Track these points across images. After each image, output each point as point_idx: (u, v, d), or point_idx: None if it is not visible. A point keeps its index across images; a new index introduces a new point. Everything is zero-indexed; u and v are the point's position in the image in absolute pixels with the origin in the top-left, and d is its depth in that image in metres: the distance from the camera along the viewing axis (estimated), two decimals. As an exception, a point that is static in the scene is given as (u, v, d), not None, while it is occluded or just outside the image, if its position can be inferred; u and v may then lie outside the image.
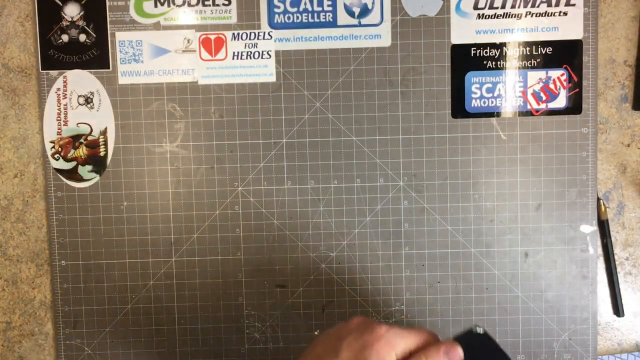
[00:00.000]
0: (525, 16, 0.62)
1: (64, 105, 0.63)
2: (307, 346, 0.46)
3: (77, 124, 0.64)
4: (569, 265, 0.64)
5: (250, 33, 0.63)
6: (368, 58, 0.63)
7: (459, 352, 0.44)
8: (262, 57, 0.63)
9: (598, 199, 0.63)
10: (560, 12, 0.62)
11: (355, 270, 0.64)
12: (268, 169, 0.64)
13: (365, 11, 0.62)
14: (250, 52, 0.63)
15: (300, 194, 0.64)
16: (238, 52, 0.63)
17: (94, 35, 0.63)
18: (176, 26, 0.63)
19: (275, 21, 0.63)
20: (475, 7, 0.62)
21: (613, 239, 0.64)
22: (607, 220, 0.63)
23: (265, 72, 0.63)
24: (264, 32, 0.63)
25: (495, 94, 0.63)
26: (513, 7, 0.62)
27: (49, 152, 0.64)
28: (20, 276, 0.65)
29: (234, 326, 0.65)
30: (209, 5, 0.63)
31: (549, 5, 0.62)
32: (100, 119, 0.63)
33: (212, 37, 0.63)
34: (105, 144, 0.64)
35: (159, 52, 0.63)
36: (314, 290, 0.65)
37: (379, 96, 0.63)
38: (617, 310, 0.64)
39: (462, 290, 0.64)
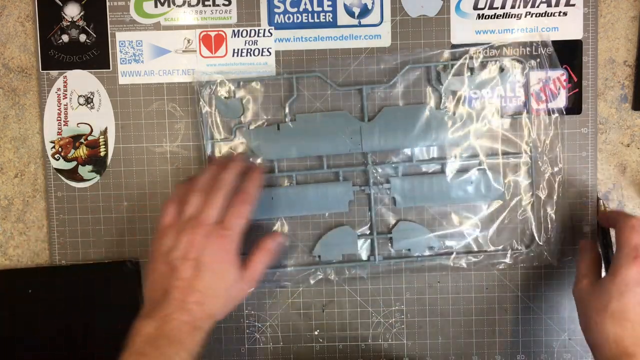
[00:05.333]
0: (525, 16, 0.62)
1: (64, 105, 0.63)
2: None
3: (78, 124, 0.64)
4: (569, 265, 0.64)
5: (251, 30, 0.63)
6: (368, 58, 0.63)
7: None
8: (262, 55, 0.63)
9: (598, 199, 0.63)
10: (560, 12, 0.62)
11: (355, 269, 0.64)
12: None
13: (365, 11, 0.63)
14: (250, 50, 0.63)
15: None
16: (238, 49, 0.63)
17: (94, 36, 0.63)
18: (176, 26, 0.63)
19: (276, 21, 0.63)
20: (475, 7, 0.62)
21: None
22: None
23: (265, 69, 0.63)
24: (264, 30, 0.63)
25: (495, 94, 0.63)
26: (513, 7, 0.62)
27: (49, 152, 0.64)
28: (20, 276, 0.65)
29: (234, 326, 0.65)
30: (209, 6, 0.63)
31: (549, 5, 0.62)
32: (101, 119, 0.64)
33: (212, 34, 0.63)
34: (106, 144, 0.64)
35: (159, 52, 0.63)
36: (314, 290, 0.65)
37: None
38: None
39: (462, 290, 0.64)
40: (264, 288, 0.64)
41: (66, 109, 0.63)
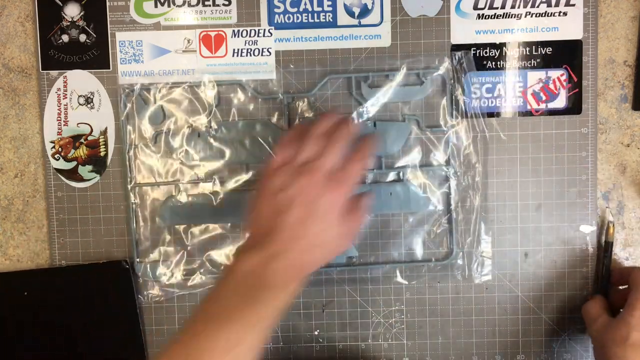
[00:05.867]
0: (525, 16, 0.62)
1: (64, 105, 0.63)
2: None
3: (78, 124, 0.64)
4: (569, 265, 0.64)
5: (251, 30, 0.63)
6: (368, 58, 0.63)
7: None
8: (262, 55, 0.63)
9: (609, 222, 0.63)
10: (560, 12, 0.62)
11: (355, 269, 0.64)
12: (268, 169, 0.64)
13: (365, 11, 0.62)
14: (250, 50, 0.63)
15: None
16: (238, 49, 0.63)
17: (94, 36, 0.63)
18: (176, 26, 0.63)
19: (276, 21, 0.63)
20: (475, 7, 0.62)
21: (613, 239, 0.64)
22: (613, 242, 0.63)
23: (265, 69, 0.63)
24: (264, 30, 0.63)
25: (495, 94, 0.63)
26: (513, 7, 0.62)
27: (49, 152, 0.64)
28: (20, 276, 0.65)
29: (234, 326, 0.65)
30: (209, 6, 0.63)
31: (549, 5, 0.62)
32: (101, 119, 0.63)
33: (212, 34, 0.63)
34: (106, 144, 0.64)
35: (159, 52, 0.63)
36: (314, 290, 0.65)
37: (378, 96, 0.63)
38: None
39: (462, 290, 0.64)
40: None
41: (66, 109, 0.63)
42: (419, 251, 0.64)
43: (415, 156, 0.63)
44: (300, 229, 0.49)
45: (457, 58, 0.62)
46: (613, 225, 0.63)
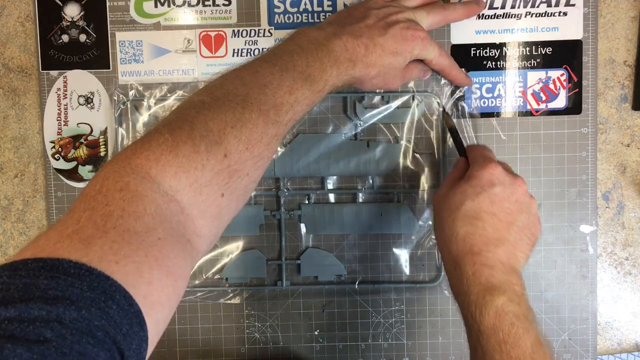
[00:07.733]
0: (525, 16, 0.62)
1: (64, 105, 0.63)
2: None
3: (78, 124, 0.64)
4: (568, 265, 0.64)
5: (251, 30, 0.63)
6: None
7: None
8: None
9: (443, 109, 0.62)
10: (560, 12, 0.62)
11: (356, 269, 0.64)
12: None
13: (365, 11, 0.62)
14: (250, 50, 0.63)
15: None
16: (238, 49, 0.63)
17: (94, 36, 0.63)
18: (176, 26, 0.63)
19: (275, 21, 0.63)
20: (475, 7, 0.62)
21: (613, 239, 0.64)
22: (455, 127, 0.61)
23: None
24: (264, 30, 0.63)
25: (495, 94, 0.63)
26: (513, 7, 0.62)
27: (49, 152, 0.64)
28: (20, 276, 0.65)
29: (234, 326, 0.65)
30: (209, 6, 0.63)
31: (549, 5, 0.62)
32: (101, 119, 0.64)
33: (212, 34, 0.63)
34: (106, 144, 0.64)
35: (159, 52, 0.63)
36: (314, 290, 0.65)
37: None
38: None
39: (462, 290, 0.64)
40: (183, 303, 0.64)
41: (66, 109, 0.63)
42: (407, 268, 0.64)
43: (407, 177, 0.63)
44: (372, 32, 0.53)
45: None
46: (447, 113, 0.62)
